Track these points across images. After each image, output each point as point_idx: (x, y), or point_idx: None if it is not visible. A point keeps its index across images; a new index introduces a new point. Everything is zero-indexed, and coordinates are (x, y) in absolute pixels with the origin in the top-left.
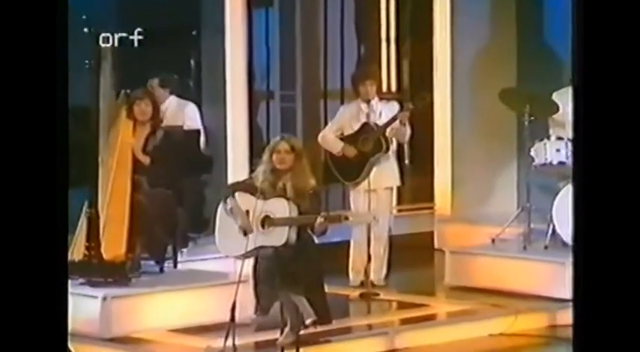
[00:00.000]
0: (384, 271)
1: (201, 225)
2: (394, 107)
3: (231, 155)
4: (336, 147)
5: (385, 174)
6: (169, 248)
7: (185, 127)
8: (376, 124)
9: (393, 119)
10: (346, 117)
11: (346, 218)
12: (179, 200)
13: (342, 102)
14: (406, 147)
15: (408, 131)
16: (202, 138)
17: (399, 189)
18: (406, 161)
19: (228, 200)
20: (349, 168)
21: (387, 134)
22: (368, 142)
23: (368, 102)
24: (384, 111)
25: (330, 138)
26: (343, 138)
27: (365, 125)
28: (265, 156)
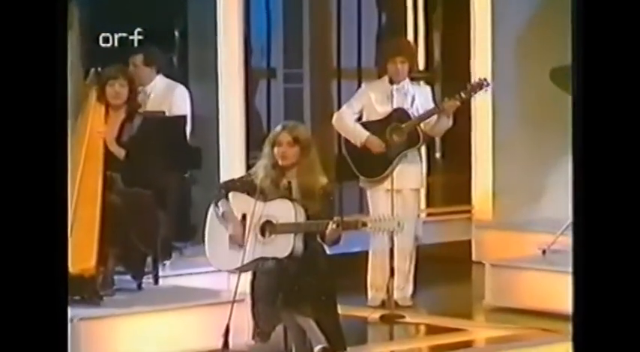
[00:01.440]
0: (411, 288)
1: (187, 232)
2: (426, 90)
3: (224, 147)
4: (359, 136)
5: (413, 171)
6: (149, 260)
7: (169, 114)
8: (410, 112)
9: (437, 110)
10: (370, 98)
11: (364, 224)
12: (161, 201)
13: (359, 83)
14: (437, 139)
15: (450, 124)
16: (189, 126)
17: (428, 188)
18: (437, 154)
19: (220, 203)
20: (372, 162)
21: (421, 125)
22: (399, 132)
23: (397, 83)
24: (416, 95)
25: (349, 123)
26: (366, 124)
27: (396, 111)
28: (266, 149)
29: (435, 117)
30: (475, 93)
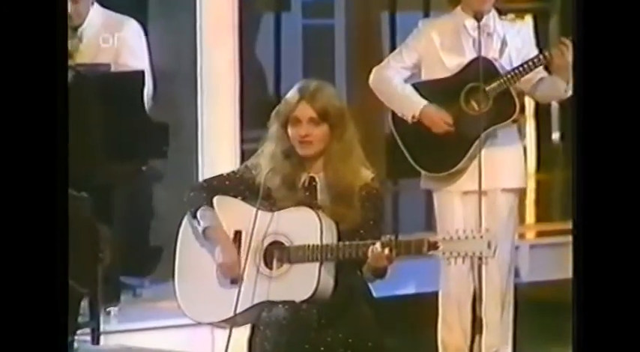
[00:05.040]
0: (509, 350)
1: (145, 262)
2: (525, 30)
3: (207, 122)
4: (410, 106)
5: (507, 161)
6: (84, 304)
7: (117, 67)
8: (499, 64)
9: (543, 60)
10: (434, 44)
11: (433, 245)
12: (103, 210)
13: (425, 16)
14: (554, 109)
15: (565, 86)
16: (149, 88)
17: (538, 192)
18: (554, 135)
19: (201, 212)
20: (437, 148)
21: (518, 86)
22: (482, 97)
23: (479, 17)
24: (508, 38)
25: (396, 85)
26: (424, 86)
27: (475, 64)
28: (273, 128)
29: (540, 72)
30: None
